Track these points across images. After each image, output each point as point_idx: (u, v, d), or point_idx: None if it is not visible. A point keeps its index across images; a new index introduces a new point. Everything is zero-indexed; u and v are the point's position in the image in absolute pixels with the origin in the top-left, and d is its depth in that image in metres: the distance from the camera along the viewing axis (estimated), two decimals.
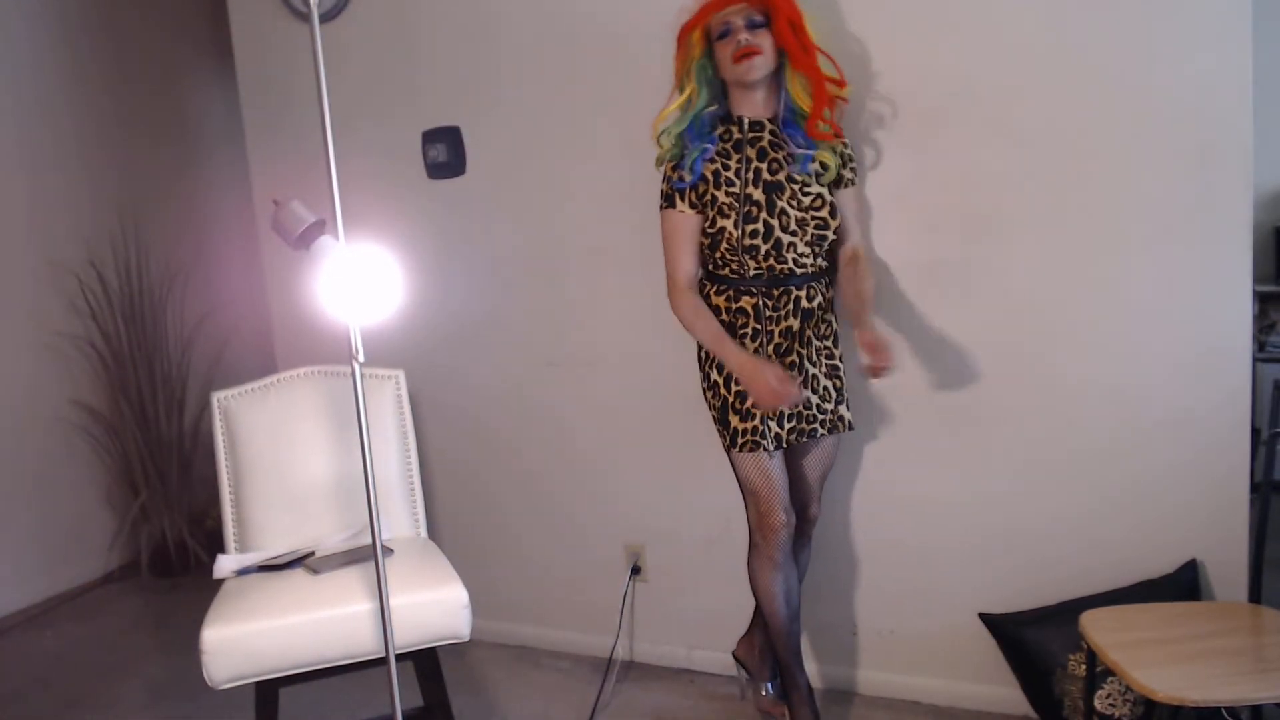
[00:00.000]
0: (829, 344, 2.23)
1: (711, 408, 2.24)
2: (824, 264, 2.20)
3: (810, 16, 2.10)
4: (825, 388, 2.21)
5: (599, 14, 2.55)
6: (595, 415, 2.77)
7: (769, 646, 2.39)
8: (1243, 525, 2.13)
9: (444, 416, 2.98)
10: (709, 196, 2.14)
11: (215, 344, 4.03)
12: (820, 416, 2.21)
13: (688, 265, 2.19)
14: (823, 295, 2.20)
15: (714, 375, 2.21)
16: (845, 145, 2.22)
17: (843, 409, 2.25)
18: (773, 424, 2.15)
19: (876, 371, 2.07)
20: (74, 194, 3.76)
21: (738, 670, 2.53)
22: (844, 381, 2.25)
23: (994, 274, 2.27)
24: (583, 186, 2.67)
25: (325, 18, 2.87)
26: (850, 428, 2.26)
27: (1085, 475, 2.25)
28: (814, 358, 2.19)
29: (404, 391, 2.40)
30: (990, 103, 2.21)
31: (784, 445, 2.18)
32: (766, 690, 2.44)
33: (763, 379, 2.04)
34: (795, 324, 2.16)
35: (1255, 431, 2.14)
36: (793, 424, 2.17)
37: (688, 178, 2.13)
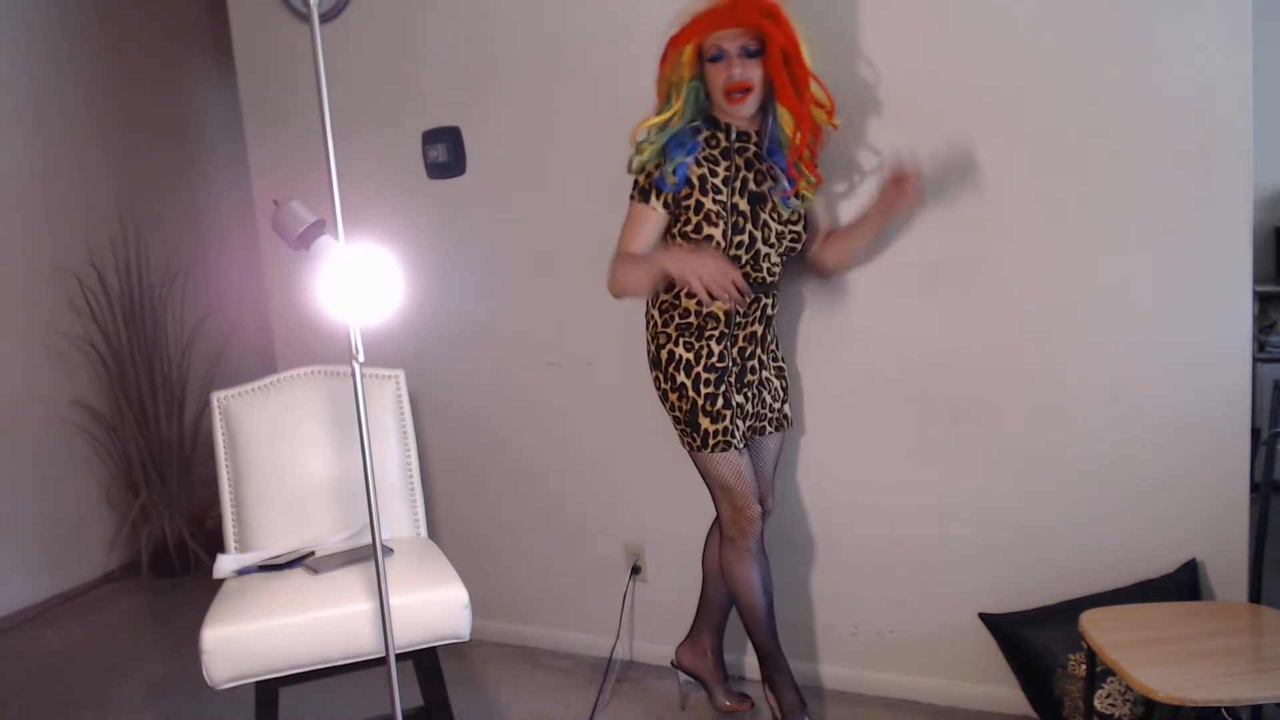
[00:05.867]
0: (774, 346, 2.30)
1: (676, 410, 2.19)
2: (781, 274, 2.25)
3: (806, 34, 2.03)
4: (776, 388, 2.29)
5: (598, 15, 2.55)
6: (595, 415, 2.77)
7: (720, 648, 2.47)
8: (1243, 525, 2.13)
9: (444, 416, 2.98)
10: (692, 201, 2.10)
11: (215, 344, 4.04)
12: (770, 415, 2.28)
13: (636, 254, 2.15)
14: (775, 303, 2.26)
15: (680, 378, 2.17)
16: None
17: (786, 407, 2.33)
18: (740, 423, 2.18)
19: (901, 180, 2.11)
20: (74, 194, 3.76)
21: (683, 678, 2.52)
22: (788, 381, 2.34)
23: (994, 274, 2.27)
24: (582, 186, 2.67)
25: (325, 18, 2.87)
26: (791, 424, 2.35)
27: (1085, 475, 2.25)
28: (767, 360, 2.26)
29: (404, 391, 2.40)
30: (990, 103, 2.21)
31: (747, 443, 2.22)
32: (721, 696, 2.44)
33: (704, 263, 1.95)
34: (759, 329, 2.21)
35: (1255, 431, 2.14)
36: (750, 421, 2.24)
37: (672, 181, 2.08)
